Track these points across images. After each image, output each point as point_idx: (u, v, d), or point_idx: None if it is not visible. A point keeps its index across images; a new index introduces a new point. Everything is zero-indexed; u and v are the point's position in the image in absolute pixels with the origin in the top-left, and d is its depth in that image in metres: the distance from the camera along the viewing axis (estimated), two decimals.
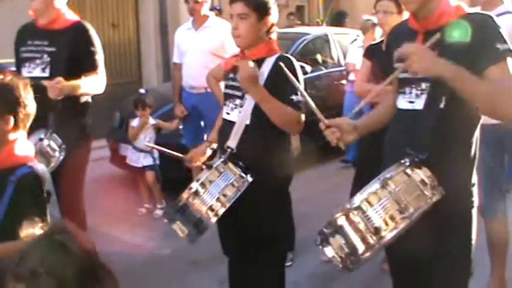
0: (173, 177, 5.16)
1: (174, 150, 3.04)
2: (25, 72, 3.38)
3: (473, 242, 2.24)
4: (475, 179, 2.24)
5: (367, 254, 2.01)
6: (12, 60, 3.64)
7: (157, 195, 5.35)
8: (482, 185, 2.41)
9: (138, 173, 5.36)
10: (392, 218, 1.99)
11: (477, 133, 2.21)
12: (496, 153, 3.34)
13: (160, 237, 4.61)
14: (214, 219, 2.57)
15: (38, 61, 3.37)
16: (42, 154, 2.98)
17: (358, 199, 2.03)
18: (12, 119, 2.11)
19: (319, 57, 7.73)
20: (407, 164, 2.06)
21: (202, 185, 2.59)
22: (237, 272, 3.05)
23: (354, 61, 6.39)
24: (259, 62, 2.71)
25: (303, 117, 2.68)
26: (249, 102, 2.70)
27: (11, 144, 2.14)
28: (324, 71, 7.51)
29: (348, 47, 7.41)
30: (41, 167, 2.19)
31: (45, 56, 3.36)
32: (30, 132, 2.32)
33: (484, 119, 2.21)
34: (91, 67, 3.39)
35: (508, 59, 2.05)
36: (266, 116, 2.64)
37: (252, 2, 2.67)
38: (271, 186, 2.70)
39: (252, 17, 2.67)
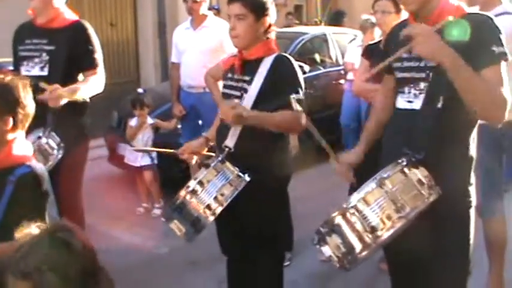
0: (171, 176, 5.18)
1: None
2: (23, 70, 3.38)
3: (471, 241, 2.25)
4: (472, 178, 2.25)
5: (364, 253, 2.02)
6: (11, 59, 3.63)
7: (155, 195, 5.35)
8: (480, 184, 2.41)
9: (136, 173, 5.36)
10: (389, 217, 1.99)
11: (475, 133, 2.22)
12: (495, 153, 3.34)
13: (158, 237, 4.61)
14: (211, 218, 2.57)
15: (36, 60, 3.37)
16: (41, 152, 2.98)
17: (354, 198, 2.04)
18: (11, 119, 2.11)
19: (317, 56, 7.72)
20: (404, 163, 2.06)
21: (200, 183, 2.58)
22: (235, 271, 3.05)
23: (353, 60, 6.39)
24: (257, 62, 2.72)
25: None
26: (247, 102, 2.70)
27: (10, 143, 2.14)
28: (322, 70, 7.51)
29: (346, 46, 7.42)
30: (39, 166, 2.19)
31: (44, 54, 3.35)
32: (29, 130, 2.31)
33: None
34: (90, 66, 3.39)
35: (502, 62, 2.06)
36: None
37: (250, 2, 2.67)
38: (269, 186, 2.69)
39: (249, 18, 2.67)
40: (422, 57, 2.12)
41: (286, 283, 3.02)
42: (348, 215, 2.02)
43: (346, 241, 2.03)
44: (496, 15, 2.82)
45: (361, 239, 2.00)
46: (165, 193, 5.27)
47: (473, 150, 2.22)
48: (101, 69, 3.45)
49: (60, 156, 3.11)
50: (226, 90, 2.87)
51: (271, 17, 2.76)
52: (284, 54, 2.80)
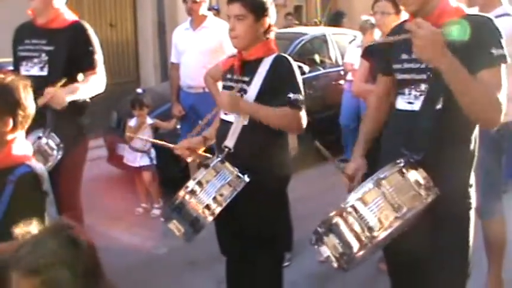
0: (170, 176, 5.18)
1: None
2: (23, 70, 3.38)
3: (470, 243, 2.25)
4: (473, 180, 2.25)
5: (361, 253, 2.01)
6: (11, 59, 3.63)
7: (154, 195, 5.35)
8: (480, 186, 2.41)
9: (135, 173, 5.36)
10: (386, 217, 1.99)
11: (475, 134, 2.21)
12: (494, 154, 3.34)
13: (157, 237, 4.61)
14: (210, 218, 2.57)
15: (35, 60, 3.37)
16: (40, 153, 2.99)
17: (352, 198, 2.04)
18: (11, 120, 2.11)
19: (317, 57, 7.72)
20: (402, 164, 2.06)
21: (199, 183, 2.58)
22: (234, 271, 3.05)
23: (352, 61, 6.39)
24: (256, 62, 2.72)
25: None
26: None
27: (9, 143, 2.14)
28: (322, 71, 7.51)
29: (346, 47, 7.42)
30: (39, 166, 2.19)
31: (44, 54, 3.35)
32: (28, 130, 2.31)
33: None
34: (89, 66, 3.40)
35: (502, 65, 2.05)
36: None
37: (249, 3, 2.67)
38: (268, 186, 2.69)
39: (249, 18, 2.68)
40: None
41: (286, 284, 3.02)
42: (345, 214, 2.02)
43: (344, 241, 2.03)
44: (496, 17, 2.81)
45: (358, 238, 2.00)
46: (164, 193, 5.27)
47: (474, 151, 2.21)
48: (100, 70, 3.45)
49: (59, 156, 3.11)
50: (226, 91, 2.86)
51: (271, 17, 2.76)
52: (283, 54, 2.80)
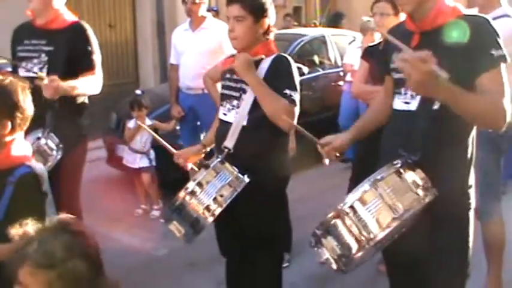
0: (170, 177, 5.17)
1: (174, 150, 3.03)
2: (22, 71, 3.38)
3: (470, 243, 2.25)
4: (472, 180, 2.24)
5: (360, 255, 2.01)
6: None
7: (153, 196, 5.34)
8: (478, 186, 2.41)
9: (135, 174, 5.36)
10: (384, 218, 1.99)
11: (473, 134, 2.21)
12: (493, 154, 3.34)
13: (157, 238, 4.61)
14: (210, 219, 2.56)
15: (35, 60, 3.37)
16: (40, 153, 2.98)
17: (350, 199, 2.03)
18: (9, 123, 2.10)
19: (316, 58, 7.74)
20: (399, 165, 2.06)
21: (199, 184, 2.58)
22: (234, 273, 3.05)
23: (352, 62, 6.39)
24: (256, 63, 2.72)
25: (296, 111, 2.66)
26: (246, 103, 2.70)
27: (9, 145, 2.14)
28: (321, 72, 7.52)
29: (345, 48, 7.43)
30: (39, 167, 2.19)
31: (43, 55, 3.35)
32: (28, 131, 2.31)
33: None
34: (88, 67, 3.39)
35: (502, 65, 2.06)
36: (263, 116, 2.64)
37: (249, 4, 2.67)
38: (268, 187, 2.69)
39: (248, 20, 2.67)
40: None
41: (285, 285, 3.02)
42: (343, 216, 2.02)
43: (342, 243, 2.03)
44: (496, 18, 2.82)
45: (356, 240, 2.00)
46: (164, 194, 5.27)
47: (472, 152, 2.21)
48: (98, 71, 3.44)
49: (59, 157, 3.11)
50: (225, 91, 2.86)
51: (271, 18, 2.76)
52: (283, 54, 2.80)
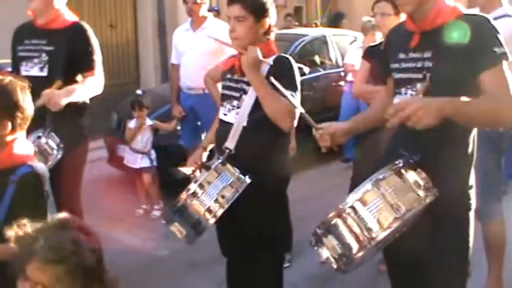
0: (170, 177, 5.17)
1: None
2: (22, 71, 3.38)
3: (470, 243, 2.24)
4: (472, 180, 2.24)
5: (360, 254, 2.01)
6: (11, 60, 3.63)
7: (154, 196, 5.34)
8: (479, 187, 2.41)
9: (136, 174, 5.36)
10: (385, 218, 1.98)
11: (474, 133, 2.21)
12: (493, 155, 3.34)
13: (158, 238, 4.61)
14: (212, 221, 2.56)
15: (35, 60, 3.37)
16: (40, 153, 2.98)
17: (351, 199, 2.03)
18: (9, 123, 2.10)
19: (317, 58, 7.74)
20: (401, 165, 2.06)
21: (201, 186, 2.58)
22: (235, 273, 3.05)
23: (353, 62, 6.40)
24: None
25: (296, 112, 2.66)
26: (247, 104, 2.70)
27: (10, 144, 2.14)
28: (322, 72, 7.52)
29: (346, 48, 7.43)
30: (40, 166, 2.19)
31: (44, 55, 3.35)
32: (28, 131, 2.31)
33: None
34: (88, 67, 3.39)
35: (504, 62, 2.05)
36: (264, 117, 2.64)
37: (249, 4, 2.66)
38: (268, 188, 2.69)
39: (249, 20, 2.67)
40: (420, 59, 2.13)
41: (286, 285, 3.02)
42: (344, 215, 2.02)
43: (342, 242, 2.02)
44: (497, 18, 2.82)
45: (357, 240, 2.00)
46: (165, 195, 5.27)
47: (473, 152, 2.21)
48: (99, 71, 3.44)
49: (59, 156, 3.11)
50: (226, 91, 2.86)
51: (271, 18, 2.75)
52: (284, 55, 2.80)
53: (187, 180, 2.83)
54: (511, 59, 2.10)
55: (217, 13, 8.42)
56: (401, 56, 2.23)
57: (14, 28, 3.61)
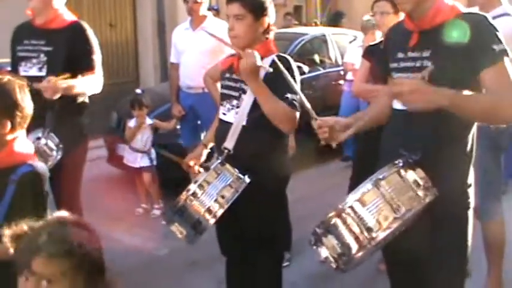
0: (170, 177, 5.17)
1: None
2: (21, 71, 3.38)
3: (469, 242, 2.24)
4: (471, 179, 2.24)
5: (360, 254, 2.01)
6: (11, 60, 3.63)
7: (154, 196, 5.34)
8: (478, 185, 2.41)
9: (135, 173, 5.36)
10: (385, 218, 1.99)
11: (473, 132, 2.21)
12: (492, 153, 3.33)
13: (158, 238, 4.61)
14: (212, 221, 2.56)
15: (34, 60, 3.37)
16: (40, 153, 2.98)
17: (350, 199, 2.03)
18: (9, 122, 2.10)
19: (316, 57, 7.73)
20: (401, 164, 2.06)
21: (200, 186, 2.58)
22: (235, 272, 3.05)
23: (353, 61, 6.39)
24: None
25: (297, 115, 2.66)
26: (246, 103, 2.70)
27: (10, 143, 2.13)
28: (322, 71, 7.52)
29: (346, 47, 7.42)
30: (41, 165, 2.19)
31: (42, 55, 3.35)
32: (28, 131, 2.31)
33: None
34: (88, 67, 3.39)
35: (505, 59, 2.05)
36: (263, 116, 2.63)
37: (249, 3, 2.66)
38: (268, 187, 2.69)
39: (248, 18, 2.67)
40: (419, 58, 2.13)
41: (286, 284, 3.02)
42: (343, 215, 2.02)
43: (342, 242, 2.03)
44: (496, 17, 2.82)
45: (357, 239, 2.00)
46: (164, 194, 5.27)
47: (472, 150, 2.21)
48: (98, 70, 3.44)
49: (59, 157, 3.11)
50: (225, 91, 2.86)
51: (270, 17, 2.75)
52: (283, 54, 2.80)
53: (187, 180, 2.83)
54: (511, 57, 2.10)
55: (216, 12, 8.42)
56: (400, 55, 2.22)
57: (13, 28, 3.61)
